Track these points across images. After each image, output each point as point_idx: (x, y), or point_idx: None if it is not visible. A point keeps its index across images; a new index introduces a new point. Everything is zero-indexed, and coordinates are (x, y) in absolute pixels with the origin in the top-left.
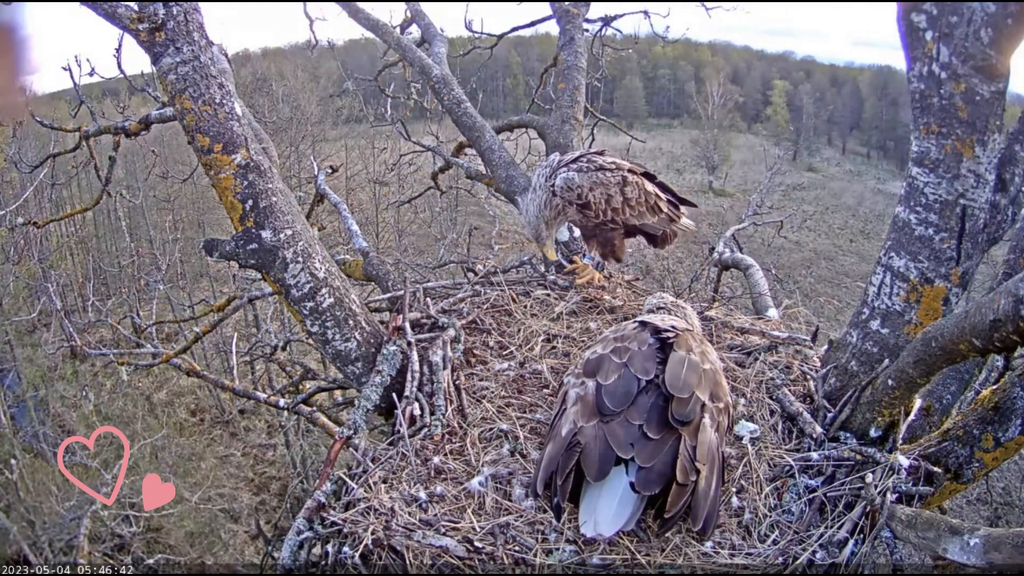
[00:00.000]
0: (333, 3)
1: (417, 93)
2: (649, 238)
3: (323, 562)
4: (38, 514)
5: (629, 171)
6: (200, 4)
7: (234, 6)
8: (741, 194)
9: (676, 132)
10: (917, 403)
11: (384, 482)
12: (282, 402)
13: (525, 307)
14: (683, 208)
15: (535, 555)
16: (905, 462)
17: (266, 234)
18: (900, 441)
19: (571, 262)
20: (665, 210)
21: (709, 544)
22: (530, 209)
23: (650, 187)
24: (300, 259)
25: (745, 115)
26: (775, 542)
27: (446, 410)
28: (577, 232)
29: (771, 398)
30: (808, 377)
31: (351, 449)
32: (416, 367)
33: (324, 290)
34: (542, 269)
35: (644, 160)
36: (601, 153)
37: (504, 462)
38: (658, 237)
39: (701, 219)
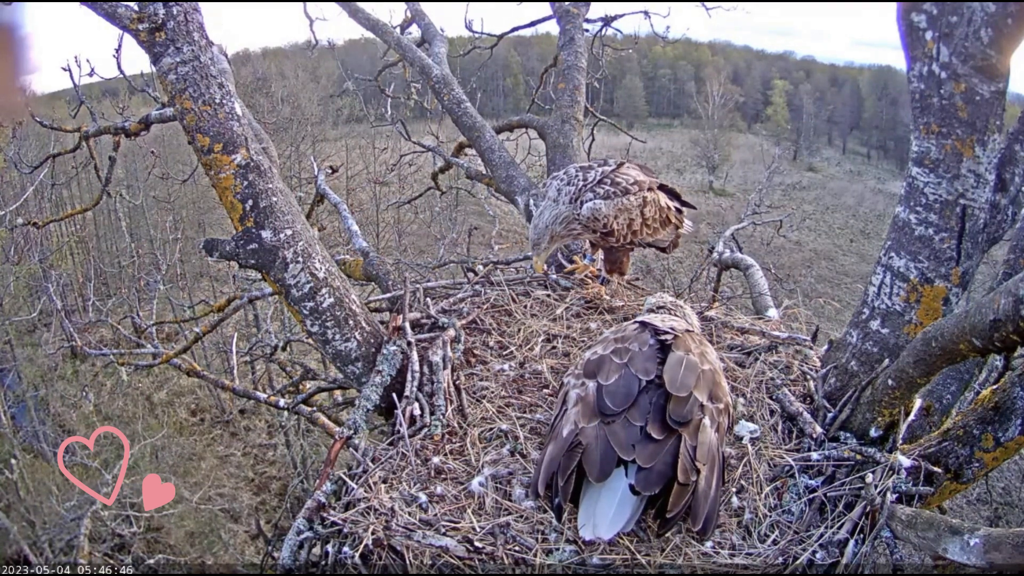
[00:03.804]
0: (333, 3)
1: (417, 93)
2: (657, 247)
3: (323, 562)
4: (38, 514)
5: (648, 188)
6: (200, 4)
7: (234, 6)
8: (741, 194)
9: (676, 132)
10: (917, 403)
11: (384, 482)
12: (282, 402)
13: (525, 307)
14: (684, 210)
15: (535, 555)
16: (905, 462)
17: (266, 234)
18: (900, 441)
19: (571, 261)
20: (674, 220)
21: (709, 544)
22: (544, 216)
23: (664, 201)
24: (300, 259)
25: (745, 115)
26: (775, 542)
27: (446, 410)
28: None
29: (771, 398)
30: (808, 377)
31: (351, 449)
32: (416, 367)
33: (324, 290)
34: (546, 268)
35: (644, 160)
36: (620, 166)
37: (504, 462)
38: (666, 246)
39: (701, 219)
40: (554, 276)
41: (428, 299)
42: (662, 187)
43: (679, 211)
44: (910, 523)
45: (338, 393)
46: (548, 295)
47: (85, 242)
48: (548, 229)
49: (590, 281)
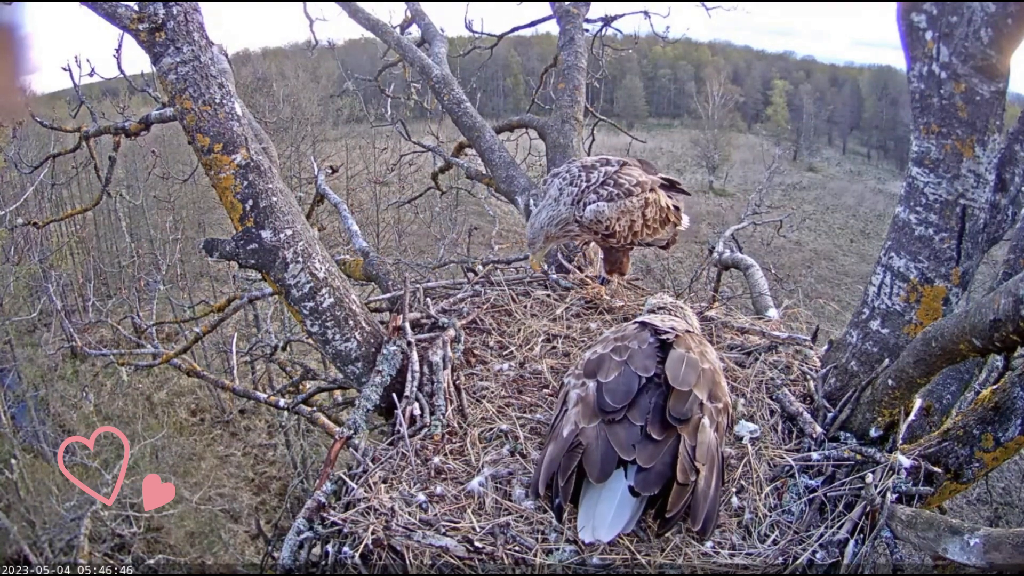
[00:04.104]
0: (333, 3)
1: (417, 93)
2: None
3: (323, 562)
4: (38, 514)
5: (650, 189)
6: (200, 4)
7: (234, 6)
8: (741, 194)
9: (676, 132)
10: (917, 403)
11: (384, 482)
12: (282, 402)
13: (525, 307)
14: (679, 198)
15: (535, 555)
16: (906, 462)
17: (266, 234)
18: (900, 441)
19: (570, 260)
20: (673, 219)
21: (709, 544)
22: (541, 216)
23: (664, 201)
24: (300, 259)
25: (745, 115)
26: (775, 542)
27: (446, 410)
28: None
29: (771, 398)
30: (808, 377)
31: (351, 449)
32: (416, 367)
33: (324, 290)
34: (544, 267)
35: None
36: (623, 166)
37: (504, 462)
38: (665, 244)
39: (701, 219)
40: (554, 276)
41: (428, 299)
42: (662, 184)
43: (677, 208)
44: (910, 523)
45: (338, 393)
46: (548, 295)
47: (85, 242)
48: (544, 230)
49: (590, 281)
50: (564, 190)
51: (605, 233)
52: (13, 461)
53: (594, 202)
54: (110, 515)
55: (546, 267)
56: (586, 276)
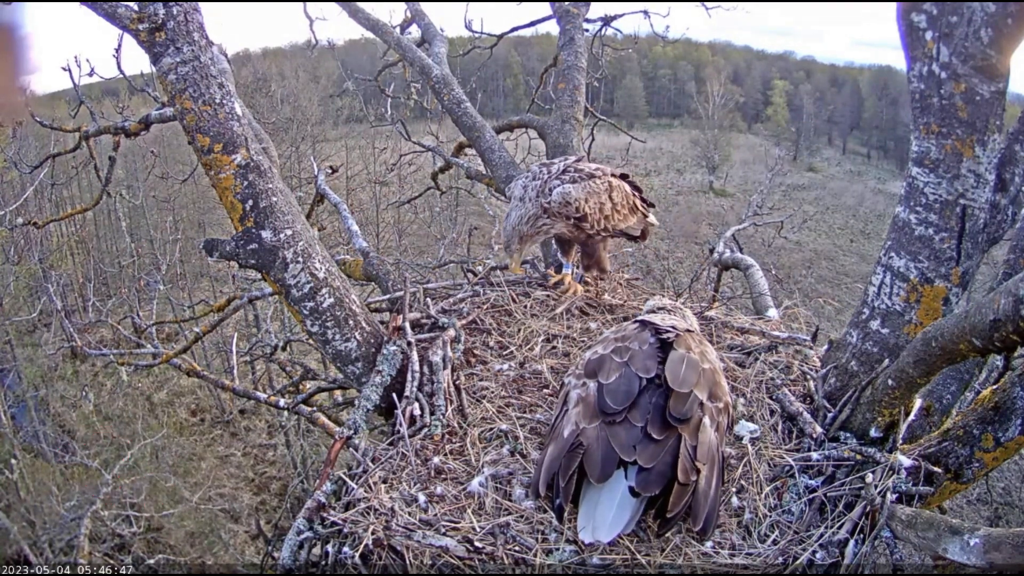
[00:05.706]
0: (333, 3)
1: (417, 93)
2: (629, 237)
3: (323, 562)
4: (38, 514)
5: (611, 175)
6: (200, 4)
7: (234, 6)
8: (741, 194)
9: (676, 132)
10: (917, 403)
11: (384, 482)
12: (282, 402)
13: (525, 307)
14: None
15: (535, 555)
16: (906, 462)
17: (266, 234)
18: (900, 441)
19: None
20: (640, 208)
21: (709, 544)
22: (511, 218)
23: (627, 187)
24: (300, 259)
25: (745, 115)
26: (775, 542)
27: (446, 410)
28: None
29: (771, 398)
30: (808, 377)
31: (351, 449)
32: (416, 367)
33: (324, 290)
34: (543, 268)
35: (644, 160)
36: (579, 160)
37: (504, 462)
38: (638, 235)
39: (701, 219)
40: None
41: (428, 299)
42: (623, 176)
43: (643, 201)
44: (910, 523)
45: (338, 393)
46: (548, 295)
47: (85, 242)
48: (516, 231)
49: (568, 280)
50: (528, 187)
51: (577, 217)
52: (13, 461)
53: (559, 186)
54: (110, 515)
55: (543, 268)
56: (564, 274)
